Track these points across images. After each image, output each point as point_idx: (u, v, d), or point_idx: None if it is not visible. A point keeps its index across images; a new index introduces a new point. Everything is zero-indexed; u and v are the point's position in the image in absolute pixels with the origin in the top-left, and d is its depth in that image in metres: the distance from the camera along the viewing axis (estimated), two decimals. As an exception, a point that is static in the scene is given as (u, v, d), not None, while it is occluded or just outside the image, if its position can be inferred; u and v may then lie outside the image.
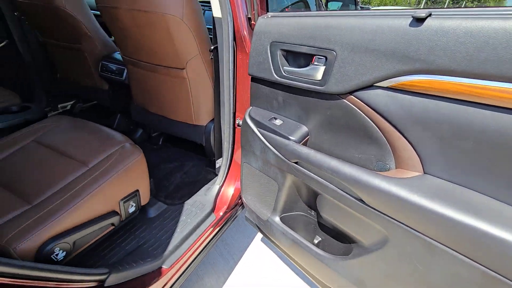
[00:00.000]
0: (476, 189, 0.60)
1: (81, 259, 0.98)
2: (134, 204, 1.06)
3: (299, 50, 0.78)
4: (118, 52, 1.75)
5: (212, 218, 1.27)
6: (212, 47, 1.16)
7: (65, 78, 1.97)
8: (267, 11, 0.99)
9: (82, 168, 0.99)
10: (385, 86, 0.65)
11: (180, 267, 1.09)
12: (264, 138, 0.94)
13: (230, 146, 1.29)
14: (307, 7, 2.38)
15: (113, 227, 0.99)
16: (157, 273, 1.00)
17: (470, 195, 0.59)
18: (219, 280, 1.46)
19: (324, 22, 0.72)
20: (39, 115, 1.56)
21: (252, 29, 1.07)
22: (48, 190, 0.90)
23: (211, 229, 1.25)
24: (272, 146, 0.92)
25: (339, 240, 0.97)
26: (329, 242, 0.99)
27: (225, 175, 1.36)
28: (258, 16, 0.95)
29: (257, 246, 1.65)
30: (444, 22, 0.55)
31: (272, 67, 0.87)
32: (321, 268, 0.93)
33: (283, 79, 0.85)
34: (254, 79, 0.99)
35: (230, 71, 1.09)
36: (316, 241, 1.01)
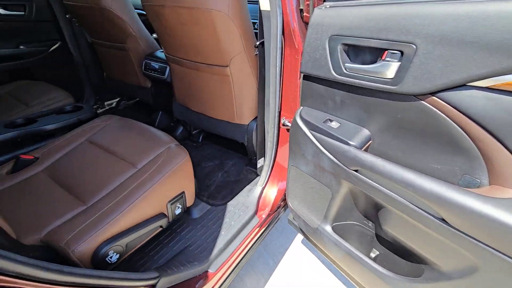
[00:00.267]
0: None
1: (128, 262, 1.00)
2: (180, 206, 1.05)
3: (367, 44, 0.68)
4: (161, 51, 1.77)
5: (256, 221, 1.23)
6: (258, 43, 1.09)
7: (111, 76, 2.05)
8: (324, 0, 0.89)
9: (132, 169, 1.00)
10: (484, 86, 0.53)
11: (226, 271, 1.07)
12: (318, 141, 0.86)
13: (274, 146, 1.22)
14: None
15: (161, 229, 0.99)
16: (203, 277, 0.99)
17: None
18: (260, 281, 1.44)
19: (401, 10, 0.61)
20: (90, 114, 1.64)
21: (304, 22, 0.98)
22: (101, 191, 0.92)
23: (255, 232, 1.22)
24: (327, 151, 0.83)
25: (400, 256, 0.86)
26: (389, 258, 0.89)
27: (267, 176, 1.31)
28: (314, 7, 0.86)
29: (296, 246, 1.61)
30: None
31: (330, 64, 0.78)
32: (381, 287, 0.84)
33: (343, 77, 0.76)
34: (307, 77, 0.90)
35: (277, 68, 1.02)
36: (373, 255, 0.92)
